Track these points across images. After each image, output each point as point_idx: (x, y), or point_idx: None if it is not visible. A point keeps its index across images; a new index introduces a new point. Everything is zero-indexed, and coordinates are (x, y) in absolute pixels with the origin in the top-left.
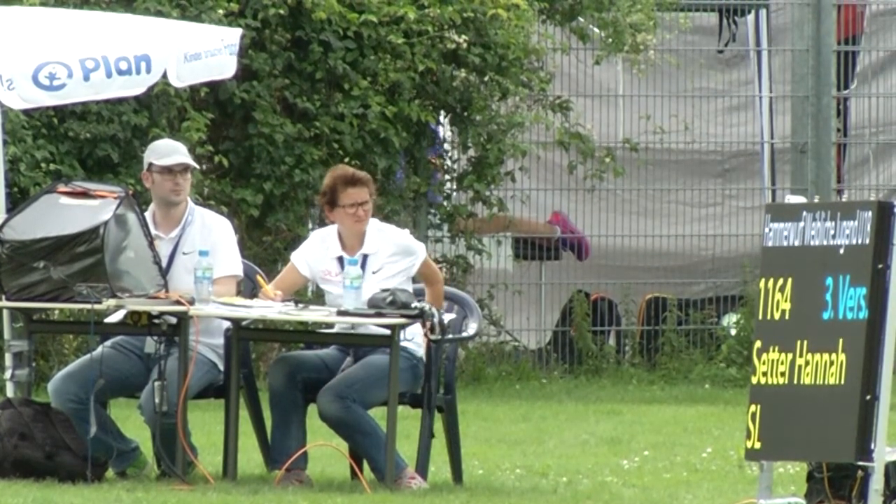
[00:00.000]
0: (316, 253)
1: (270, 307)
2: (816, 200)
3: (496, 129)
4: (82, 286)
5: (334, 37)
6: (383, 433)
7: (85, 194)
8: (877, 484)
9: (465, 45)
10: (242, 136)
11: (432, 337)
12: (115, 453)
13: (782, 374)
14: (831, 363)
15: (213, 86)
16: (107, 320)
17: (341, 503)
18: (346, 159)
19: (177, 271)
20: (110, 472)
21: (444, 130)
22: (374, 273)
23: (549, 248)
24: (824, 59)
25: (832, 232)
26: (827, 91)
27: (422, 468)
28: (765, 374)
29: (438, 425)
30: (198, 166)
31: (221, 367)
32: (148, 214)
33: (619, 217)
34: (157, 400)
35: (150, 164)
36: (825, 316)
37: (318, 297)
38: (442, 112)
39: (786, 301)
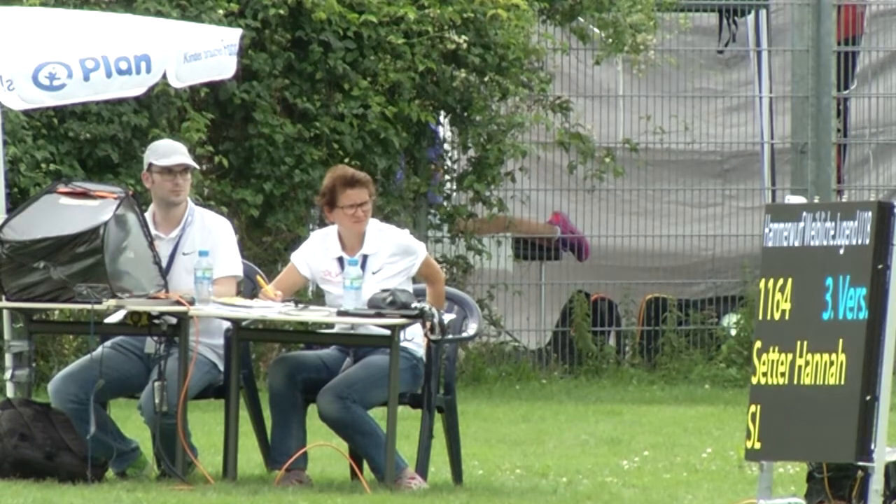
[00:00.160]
0: (316, 253)
1: (270, 307)
2: (816, 201)
3: (496, 130)
4: (82, 286)
5: (334, 37)
6: (383, 433)
7: (85, 195)
8: (877, 484)
9: (465, 46)
10: (242, 136)
11: (432, 337)
12: (115, 454)
13: (782, 374)
14: (831, 363)
15: (213, 86)
16: (107, 321)
17: (341, 503)
18: (346, 160)
19: (177, 272)
20: (110, 473)
21: (444, 131)
22: (373, 273)
23: (549, 248)
24: (824, 60)
25: (832, 232)
26: (827, 91)
27: (422, 468)
28: (765, 374)
29: (438, 425)
30: (198, 167)
31: (221, 368)
32: (148, 215)
33: (619, 217)
34: (157, 400)
35: (151, 165)
36: (825, 316)
37: (318, 298)
38: (442, 112)
39: (786, 301)
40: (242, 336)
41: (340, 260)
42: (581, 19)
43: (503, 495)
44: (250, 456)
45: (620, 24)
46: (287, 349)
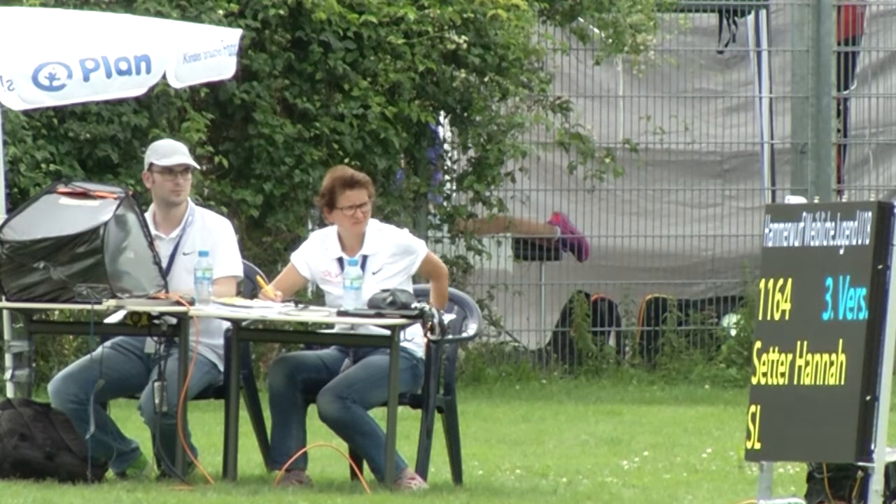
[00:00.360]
0: (316, 254)
1: (270, 308)
2: (816, 201)
3: (496, 130)
4: (82, 287)
5: (334, 37)
6: (383, 433)
7: (85, 195)
8: (877, 484)
9: (465, 46)
10: (242, 136)
11: (432, 337)
12: (115, 454)
13: (782, 374)
14: (831, 363)
15: (213, 86)
16: (107, 321)
17: (341, 503)
18: (346, 160)
19: (177, 272)
20: (110, 473)
21: (444, 131)
22: (373, 274)
23: (549, 248)
24: (824, 60)
25: (832, 232)
26: (827, 91)
27: (422, 468)
28: (765, 374)
29: (438, 426)
30: (198, 167)
31: (221, 368)
32: (148, 215)
33: (618, 217)
34: (156, 400)
35: (151, 165)
36: (825, 316)
37: (318, 298)
38: (442, 112)
39: (786, 301)
40: (242, 336)
41: (340, 260)
42: (581, 19)
43: (503, 495)
44: (250, 456)
45: (620, 25)
46: (287, 349)
